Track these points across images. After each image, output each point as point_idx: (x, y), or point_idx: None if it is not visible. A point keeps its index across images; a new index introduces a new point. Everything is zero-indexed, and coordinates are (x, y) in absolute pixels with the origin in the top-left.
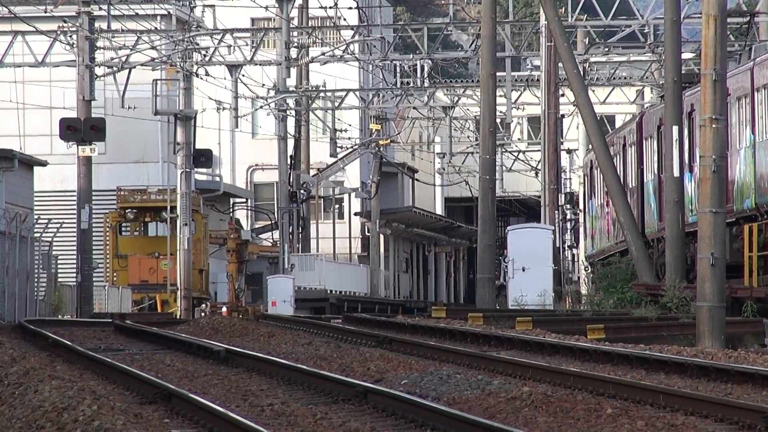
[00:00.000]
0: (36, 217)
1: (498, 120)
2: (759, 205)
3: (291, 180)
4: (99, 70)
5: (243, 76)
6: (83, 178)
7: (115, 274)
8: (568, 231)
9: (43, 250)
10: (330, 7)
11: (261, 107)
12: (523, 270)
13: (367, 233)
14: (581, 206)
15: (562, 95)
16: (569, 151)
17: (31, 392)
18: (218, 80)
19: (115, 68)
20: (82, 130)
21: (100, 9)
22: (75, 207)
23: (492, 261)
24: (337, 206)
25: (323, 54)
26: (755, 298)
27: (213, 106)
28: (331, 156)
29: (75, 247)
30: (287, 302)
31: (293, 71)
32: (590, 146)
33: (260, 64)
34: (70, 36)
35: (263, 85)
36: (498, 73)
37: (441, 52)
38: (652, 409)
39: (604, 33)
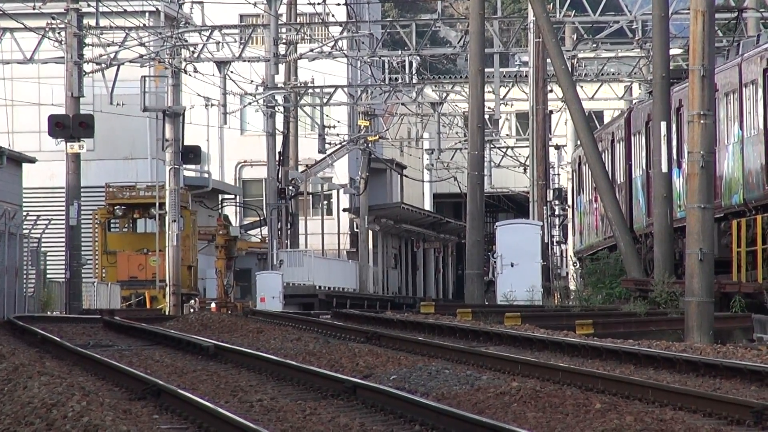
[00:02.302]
0: (25, 213)
1: (486, 116)
2: (747, 201)
3: (279, 176)
4: (87, 67)
5: (231, 72)
6: (72, 174)
7: (104, 270)
8: (557, 227)
9: (31, 246)
10: (318, 4)
11: (249, 104)
12: (512, 266)
13: (355, 229)
14: (570, 202)
15: (551, 91)
16: (557, 147)
17: (20, 388)
18: (207, 77)
19: (103, 65)
20: (70, 126)
21: (89, 6)
22: (64, 203)
23: (481, 257)
24: (325, 202)
25: (311, 50)
26: (743, 293)
27: (201, 102)
28: (319, 152)
29: (64, 244)
30: (276, 298)
31: (281, 67)
32: (578, 142)
33: (249, 61)
34: (59, 33)
35: (252, 81)
36: (486, 69)
37: (429, 49)
38: (641, 404)
39: (593, 29)
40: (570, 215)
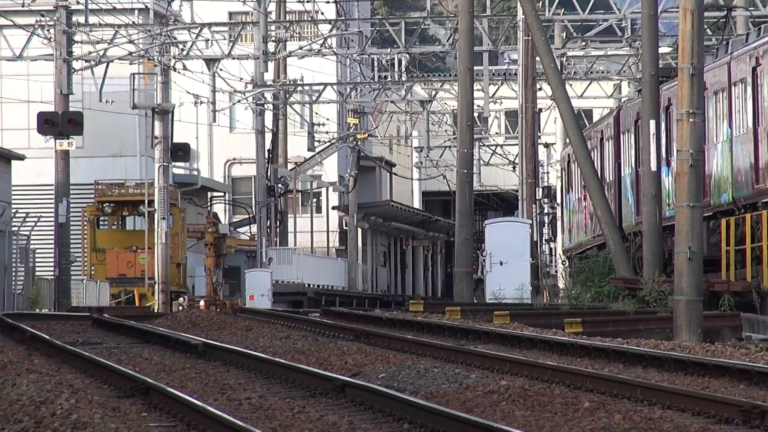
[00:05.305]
0: (14, 211)
1: (475, 114)
2: (736, 200)
3: (269, 174)
4: (77, 64)
5: (221, 70)
6: (61, 172)
7: (92, 267)
8: (546, 225)
9: (20, 244)
10: (308, 1)
11: (239, 101)
12: (501, 264)
13: (344, 227)
14: (559, 200)
15: (540, 89)
16: (547, 145)
17: (8, 386)
18: (196, 74)
19: (92, 62)
20: (59, 123)
21: (78, 3)
22: (53, 201)
23: (469, 255)
24: (314, 200)
25: (301, 48)
26: (732, 292)
27: (191, 100)
28: (308, 150)
29: (53, 241)
30: (265, 296)
31: (271, 65)
32: (568, 140)
33: (238, 58)
34: (48, 30)
35: (241, 79)
36: (475, 67)
37: (418, 46)
38: (630, 402)
39: (582, 27)
40: (559, 213)
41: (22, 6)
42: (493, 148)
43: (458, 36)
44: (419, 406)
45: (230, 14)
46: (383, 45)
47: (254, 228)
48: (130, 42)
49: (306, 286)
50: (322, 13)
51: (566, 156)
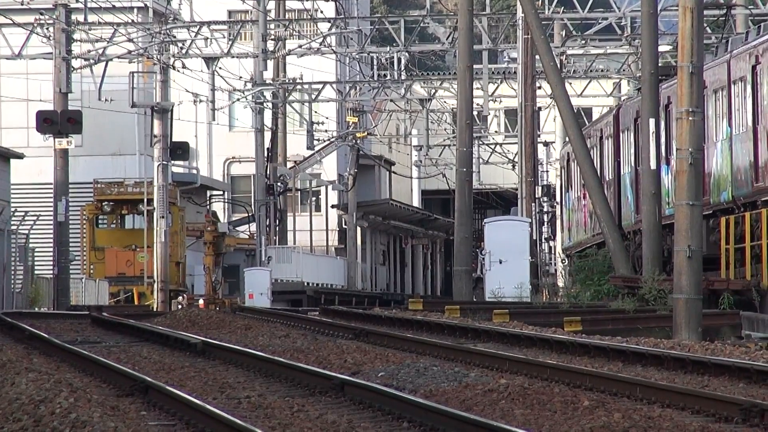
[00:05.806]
0: (13, 209)
1: (475, 112)
2: (736, 198)
3: (268, 172)
4: (76, 63)
5: (220, 68)
6: (60, 170)
7: (92, 266)
8: (545, 223)
9: (19, 242)
10: (307, 0)
11: (238, 100)
12: (500, 262)
13: (344, 226)
14: (558, 199)
15: (539, 88)
16: (546, 144)
17: (7, 385)
18: (195, 73)
19: (92, 60)
20: (58, 122)
21: (77, 1)
22: (52, 199)
23: (469, 253)
24: (314, 199)
25: (300, 46)
26: (732, 291)
27: (190, 98)
28: (308, 148)
29: (52, 240)
30: (264, 294)
31: (270, 64)
32: (567, 139)
33: (237, 57)
34: (47, 28)
35: (240, 77)
36: (475, 66)
37: (418, 45)
38: (629, 401)
39: (581, 25)
40: (558, 212)
41: (21, 4)
42: (492, 146)
43: (458, 34)
44: (418, 405)
45: (229, 13)
46: (382, 43)
47: (253, 226)
48: (130, 40)
49: (305, 284)
50: (322, 12)
51: (566, 154)
